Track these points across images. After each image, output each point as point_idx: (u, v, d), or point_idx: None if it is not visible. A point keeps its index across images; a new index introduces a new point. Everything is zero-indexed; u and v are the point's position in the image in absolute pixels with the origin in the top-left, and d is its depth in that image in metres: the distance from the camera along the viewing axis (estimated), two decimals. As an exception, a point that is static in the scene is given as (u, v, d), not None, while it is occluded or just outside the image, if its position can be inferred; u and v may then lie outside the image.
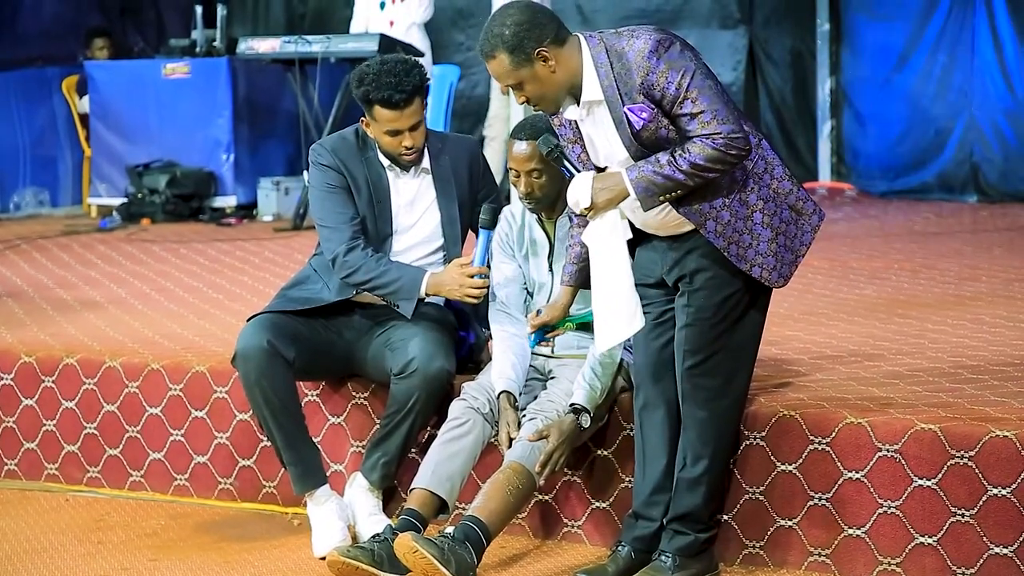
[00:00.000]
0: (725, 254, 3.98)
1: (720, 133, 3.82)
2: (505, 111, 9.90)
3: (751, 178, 3.98)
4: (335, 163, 4.85)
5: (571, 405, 4.45)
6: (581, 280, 4.30)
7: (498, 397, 4.56)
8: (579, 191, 3.93)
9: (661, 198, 3.88)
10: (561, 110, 4.01)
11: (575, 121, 4.03)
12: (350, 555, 4.23)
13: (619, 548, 4.33)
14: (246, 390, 4.75)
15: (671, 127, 3.88)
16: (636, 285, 4.12)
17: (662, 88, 3.83)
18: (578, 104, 3.97)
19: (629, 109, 3.88)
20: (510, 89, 3.99)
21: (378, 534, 4.38)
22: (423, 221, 4.91)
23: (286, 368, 4.71)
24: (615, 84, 3.88)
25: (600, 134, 3.98)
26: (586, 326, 4.43)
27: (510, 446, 4.46)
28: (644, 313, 4.12)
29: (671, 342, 4.18)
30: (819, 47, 11.57)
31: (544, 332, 4.39)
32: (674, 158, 3.84)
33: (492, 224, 4.69)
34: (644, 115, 3.87)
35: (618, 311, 3.98)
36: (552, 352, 4.68)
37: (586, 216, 3.98)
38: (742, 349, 4.15)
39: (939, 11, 10.89)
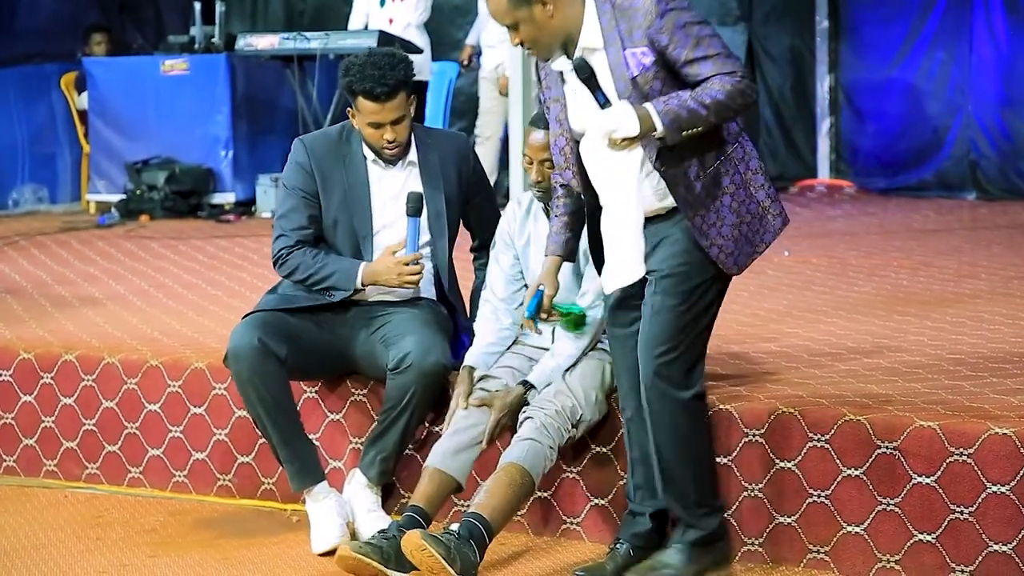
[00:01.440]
0: (690, 224, 3.98)
1: (737, 71, 3.87)
2: (499, 106, 9.90)
3: (729, 161, 4.01)
4: (309, 164, 4.88)
5: (523, 380, 4.55)
6: (567, 255, 4.36)
7: (462, 367, 4.67)
8: (625, 118, 3.86)
9: (684, 134, 3.87)
10: (551, 60, 4.00)
11: (561, 74, 4.02)
12: (361, 551, 4.24)
13: (618, 545, 4.33)
14: (239, 389, 4.75)
15: (667, 79, 3.89)
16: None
17: (670, 31, 3.85)
18: (568, 55, 3.97)
19: (631, 53, 3.89)
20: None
21: (385, 530, 4.37)
22: None
23: (278, 365, 4.72)
24: (617, 28, 3.89)
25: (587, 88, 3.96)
26: (565, 314, 4.48)
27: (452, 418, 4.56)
28: (624, 315, 4.18)
29: None
30: (818, 44, 11.57)
31: (539, 308, 4.34)
32: (697, 94, 3.85)
33: (417, 211, 4.76)
34: (647, 60, 3.89)
35: (632, 251, 3.96)
36: (539, 331, 4.66)
37: (618, 147, 3.90)
38: (702, 340, 4.14)
39: (937, 8, 10.90)
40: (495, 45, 9.87)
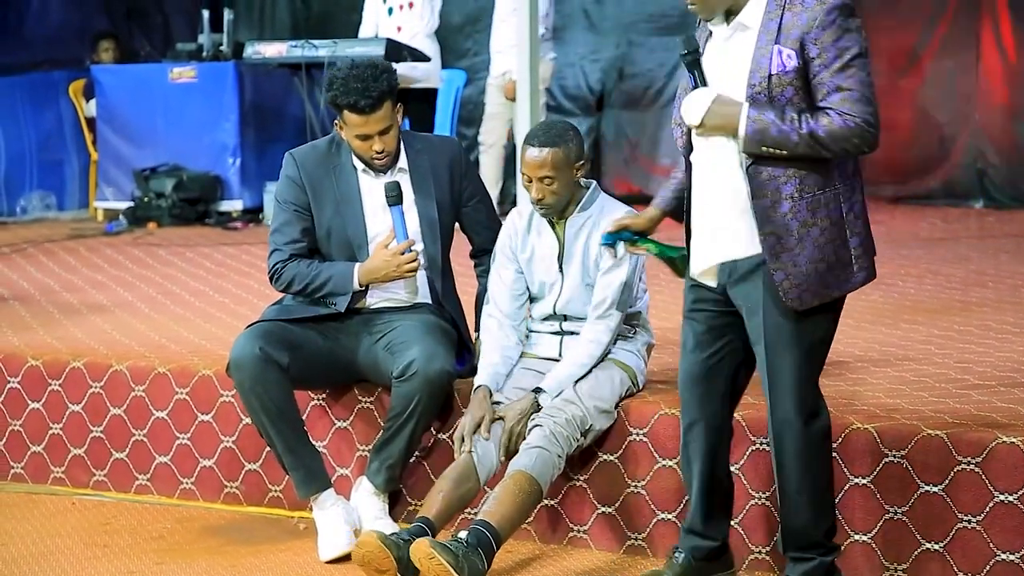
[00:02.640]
0: (761, 239, 3.79)
1: (857, 116, 3.68)
2: (503, 112, 9.88)
3: (833, 195, 3.78)
4: (299, 177, 4.88)
5: (536, 388, 4.53)
6: (673, 208, 4.12)
7: (476, 389, 4.62)
8: (695, 106, 3.77)
9: (763, 149, 3.72)
10: (711, 20, 3.85)
11: (710, 33, 3.87)
12: (385, 542, 4.23)
13: (676, 555, 4.22)
14: (242, 398, 4.77)
15: (800, 90, 3.72)
16: (695, 286, 4.00)
17: (824, 46, 3.68)
18: (727, 23, 3.81)
19: (779, 49, 3.72)
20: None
21: (401, 534, 4.34)
22: None
23: (280, 374, 4.72)
24: (780, 17, 3.73)
25: (727, 62, 3.81)
26: (669, 260, 4.18)
27: (462, 439, 4.52)
28: (695, 321, 4.02)
29: (718, 352, 4.03)
30: (825, 52, 11.54)
31: (619, 237, 4.15)
32: (799, 118, 3.69)
33: (398, 200, 4.77)
34: (790, 64, 3.71)
35: (726, 232, 3.81)
36: (554, 310, 4.65)
37: (697, 132, 3.83)
38: (822, 366, 3.99)
39: (945, 17, 10.89)
40: (503, 50, 9.87)
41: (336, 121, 4.84)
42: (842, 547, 4.18)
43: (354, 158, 4.88)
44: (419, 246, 4.85)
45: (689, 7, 3.84)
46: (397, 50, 9.03)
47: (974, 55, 10.75)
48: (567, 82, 11.58)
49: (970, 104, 10.78)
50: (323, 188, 4.87)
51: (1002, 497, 4.09)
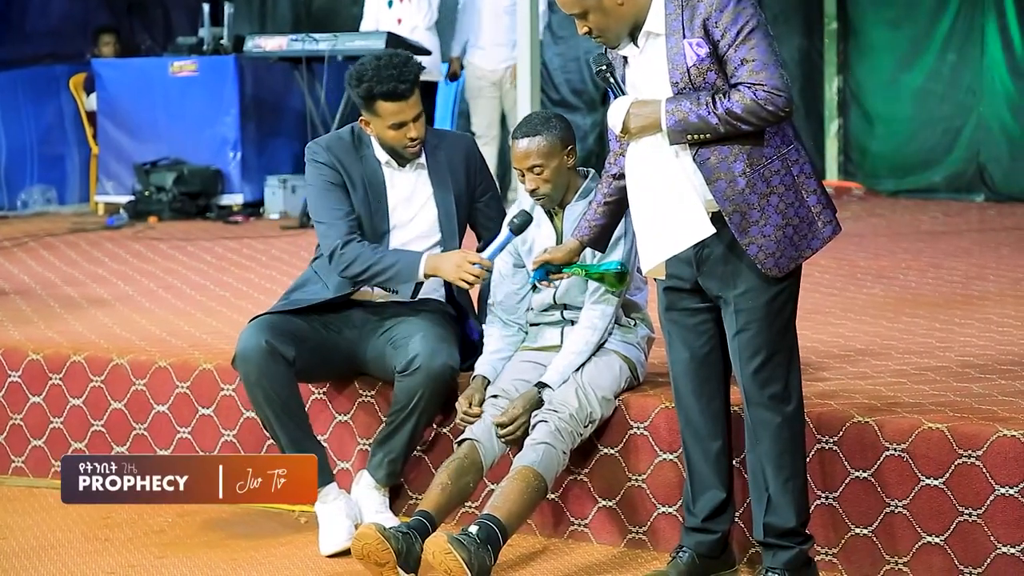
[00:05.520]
0: (727, 220, 3.89)
1: (764, 85, 3.79)
2: (488, 106, 9.85)
3: (780, 160, 3.91)
4: (331, 160, 4.87)
5: (539, 383, 4.56)
6: (592, 240, 4.32)
7: (473, 377, 4.69)
8: (615, 114, 3.91)
9: (689, 137, 3.84)
10: (619, 48, 3.97)
11: (625, 59, 3.99)
12: (385, 534, 4.22)
13: (680, 554, 4.27)
14: (247, 391, 4.76)
15: (720, 77, 3.84)
16: (668, 289, 4.10)
17: (724, 27, 3.81)
18: (634, 40, 3.93)
19: (690, 43, 3.84)
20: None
21: (400, 528, 4.35)
22: (420, 216, 4.91)
23: (286, 367, 4.72)
24: (681, 16, 3.85)
25: (647, 72, 3.92)
26: (599, 277, 4.41)
27: (463, 421, 4.60)
28: (676, 321, 4.11)
29: (704, 346, 4.11)
30: (827, 46, 11.56)
31: (548, 272, 4.36)
32: (713, 101, 3.80)
33: (519, 230, 4.64)
34: (702, 51, 3.83)
35: (669, 224, 3.89)
36: (555, 299, 4.69)
37: (623, 140, 3.97)
38: (793, 348, 4.08)
39: (948, 10, 10.89)
40: (486, 46, 9.80)
41: (361, 118, 4.83)
42: (736, 507, 4.25)
43: (377, 151, 4.88)
44: (436, 238, 4.86)
45: (595, 40, 3.97)
46: (397, 44, 9.04)
47: (978, 48, 10.74)
48: (572, 77, 11.58)
49: (973, 97, 10.77)
50: (354, 174, 4.87)
51: (1003, 490, 4.09)
